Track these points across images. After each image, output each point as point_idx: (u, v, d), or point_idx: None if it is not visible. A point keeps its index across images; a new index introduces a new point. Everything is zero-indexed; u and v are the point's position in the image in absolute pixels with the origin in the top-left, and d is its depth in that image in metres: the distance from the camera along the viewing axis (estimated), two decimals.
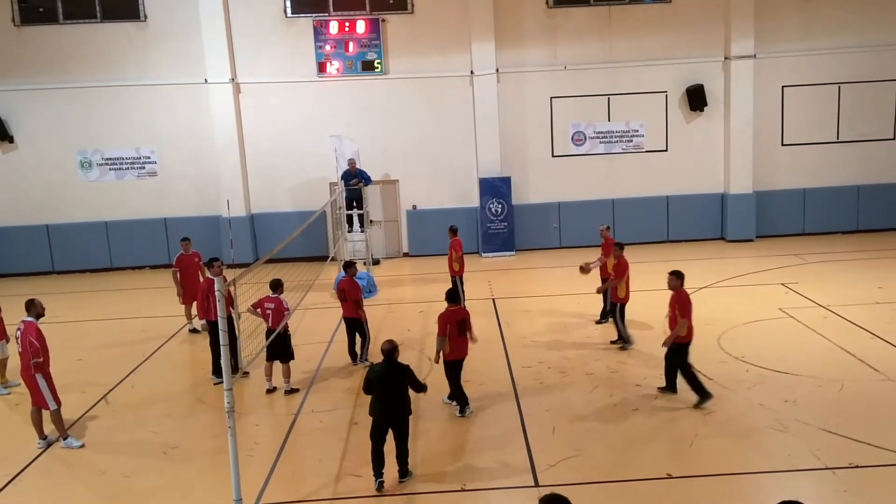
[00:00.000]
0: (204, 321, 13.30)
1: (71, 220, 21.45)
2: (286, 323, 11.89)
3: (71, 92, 21.03)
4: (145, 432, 10.90)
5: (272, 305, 11.91)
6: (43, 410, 10.47)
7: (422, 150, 21.78)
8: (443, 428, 10.61)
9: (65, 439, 10.50)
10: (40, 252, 21.44)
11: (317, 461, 9.72)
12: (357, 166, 19.59)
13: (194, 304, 15.09)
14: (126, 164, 21.51)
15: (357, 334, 13.28)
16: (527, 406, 11.13)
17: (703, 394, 10.79)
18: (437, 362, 10.89)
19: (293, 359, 12.30)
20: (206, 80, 20.99)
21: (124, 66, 21.04)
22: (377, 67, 21.41)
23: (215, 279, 8.95)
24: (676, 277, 11.00)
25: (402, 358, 13.38)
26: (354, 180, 19.32)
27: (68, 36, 20.93)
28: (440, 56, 21.45)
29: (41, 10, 20.92)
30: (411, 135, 21.69)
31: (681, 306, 10.79)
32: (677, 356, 10.94)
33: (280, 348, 11.99)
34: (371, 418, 8.99)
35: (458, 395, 10.97)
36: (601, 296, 14.81)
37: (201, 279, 15.11)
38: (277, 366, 12.18)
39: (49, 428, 10.64)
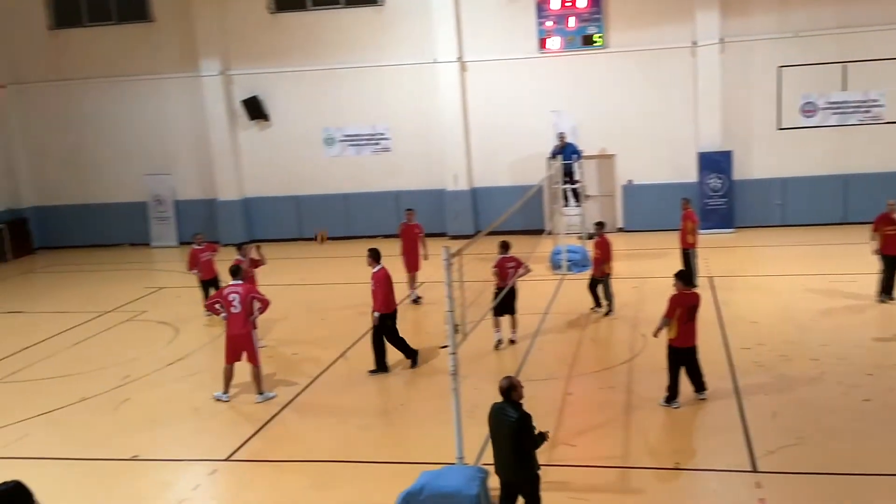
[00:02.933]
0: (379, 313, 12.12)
1: (316, 192, 22.99)
2: (516, 279, 12.49)
3: (318, 74, 22.36)
4: (378, 388, 11.59)
5: (514, 264, 12.65)
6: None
7: (639, 124, 21.09)
8: (662, 411, 10.20)
9: (261, 394, 11.22)
10: (289, 220, 23.20)
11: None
12: (567, 140, 19.44)
13: (416, 273, 15.82)
14: (363, 140, 22.72)
15: (604, 290, 14.06)
16: (745, 389, 10.55)
17: None
18: (655, 336, 10.24)
19: (516, 312, 12.87)
20: (435, 59, 21.60)
21: (363, 49, 22.06)
22: (597, 41, 20.97)
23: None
24: None
25: (613, 332, 13.40)
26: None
27: (315, 21, 22.28)
28: (661, 28, 20.60)
29: None
30: (629, 109, 21.07)
31: None
32: None
33: (510, 303, 12.63)
34: None
35: (671, 386, 10.22)
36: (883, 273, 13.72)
37: (421, 251, 15.74)
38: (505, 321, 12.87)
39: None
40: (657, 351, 10.77)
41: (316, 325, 14.95)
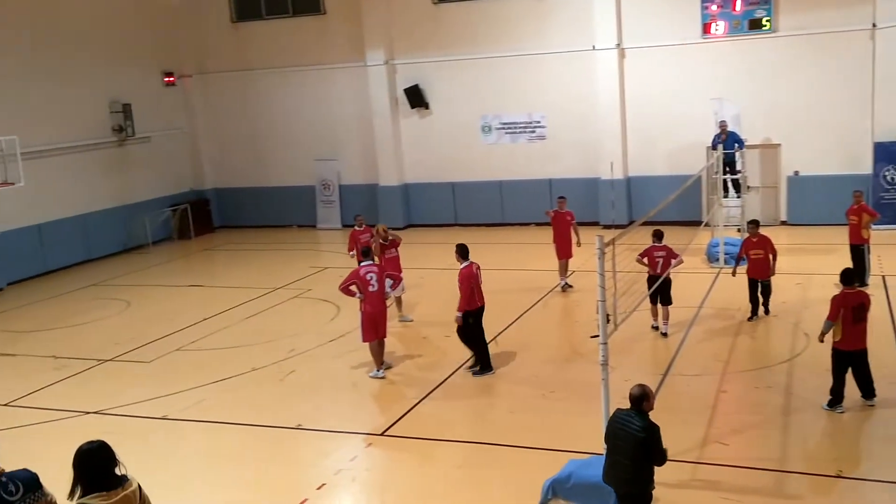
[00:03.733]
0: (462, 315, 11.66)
1: (471, 178, 23.13)
2: (670, 270, 12.19)
3: (477, 62, 22.43)
4: (528, 374, 11.61)
5: (663, 253, 12.32)
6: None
7: (807, 112, 19.74)
8: (824, 415, 9.59)
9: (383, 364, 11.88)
10: (446, 206, 23.50)
11: (681, 423, 9.52)
12: (729, 129, 18.50)
13: (568, 261, 15.64)
14: (519, 128, 22.66)
15: (764, 291, 13.13)
16: None
17: None
18: (821, 341, 9.60)
19: (672, 303, 12.56)
20: (593, 46, 21.17)
21: (521, 37, 21.88)
22: (765, 25, 19.81)
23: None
24: None
25: (772, 330, 12.67)
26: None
27: (476, 11, 22.33)
28: (836, 9, 19.15)
29: None
30: (797, 96, 19.77)
31: None
32: None
33: (664, 292, 12.37)
34: None
35: (835, 390, 9.50)
36: None
37: (574, 238, 15.52)
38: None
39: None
40: (821, 351, 10.12)
41: None
